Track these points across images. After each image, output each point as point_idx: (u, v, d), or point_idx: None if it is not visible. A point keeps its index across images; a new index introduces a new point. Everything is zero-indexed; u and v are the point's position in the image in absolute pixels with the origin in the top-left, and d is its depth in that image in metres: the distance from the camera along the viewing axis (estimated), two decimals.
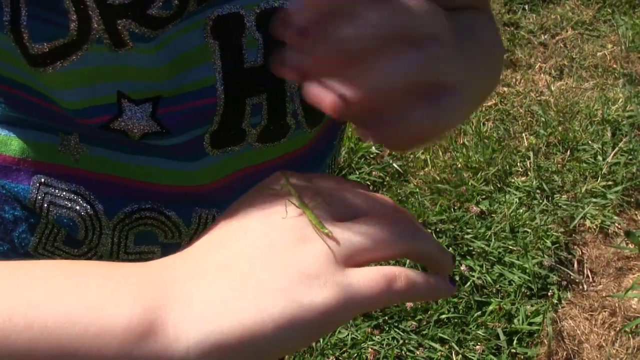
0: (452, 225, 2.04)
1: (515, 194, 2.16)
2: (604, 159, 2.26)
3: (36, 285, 0.36)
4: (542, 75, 2.65)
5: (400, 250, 0.42)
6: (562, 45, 2.78)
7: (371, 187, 2.17)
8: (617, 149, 2.28)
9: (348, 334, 1.76)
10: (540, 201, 2.14)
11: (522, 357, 1.78)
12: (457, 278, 1.90)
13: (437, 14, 0.42)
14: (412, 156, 2.27)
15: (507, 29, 2.85)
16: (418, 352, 1.75)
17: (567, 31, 2.85)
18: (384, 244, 0.41)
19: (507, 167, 2.24)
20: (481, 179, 2.19)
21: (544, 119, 2.41)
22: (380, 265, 0.42)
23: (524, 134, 2.37)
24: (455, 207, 2.11)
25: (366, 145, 2.27)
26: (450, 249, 1.98)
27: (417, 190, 2.15)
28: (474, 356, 1.75)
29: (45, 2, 0.44)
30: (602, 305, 1.90)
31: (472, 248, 1.99)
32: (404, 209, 0.46)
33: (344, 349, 1.75)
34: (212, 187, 0.58)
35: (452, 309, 1.84)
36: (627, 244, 2.04)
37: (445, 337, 1.78)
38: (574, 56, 2.72)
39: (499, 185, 2.19)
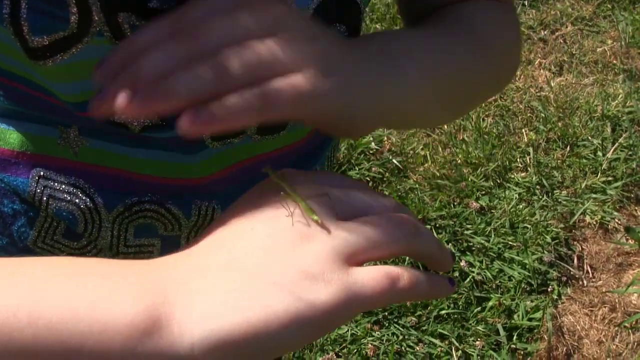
0: (451, 221, 2.04)
1: (515, 190, 2.16)
2: (603, 155, 2.26)
3: (38, 283, 0.36)
4: (541, 71, 2.64)
5: (401, 249, 0.42)
6: (561, 41, 2.78)
7: (371, 183, 2.17)
8: (617, 144, 2.28)
9: (348, 330, 1.76)
10: (540, 197, 2.14)
11: (522, 352, 1.78)
12: (456, 274, 1.91)
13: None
14: (411, 152, 2.27)
15: None
16: (418, 348, 1.75)
17: (566, 27, 2.84)
18: (386, 243, 0.41)
19: (507, 162, 2.24)
20: (481, 175, 2.19)
21: (543, 115, 2.41)
22: (377, 264, 0.42)
23: (523, 130, 2.37)
24: (455, 203, 2.11)
25: (366, 141, 2.27)
26: (450, 244, 1.98)
27: (417, 186, 2.15)
28: (473, 352, 1.75)
29: None
30: (602, 301, 1.90)
31: (471, 244, 1.99)
32: (405, 207, 0.47)
33: (344, 345, 1.75)
34: (212, 179, 0.58)
35: (452, 305, 1.84)
36: (627, 239, 2.04)
37: (445, 332, 1.78)
38: (573, 52, 2.71)
39: (498, 181, 2.19)
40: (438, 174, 2.19)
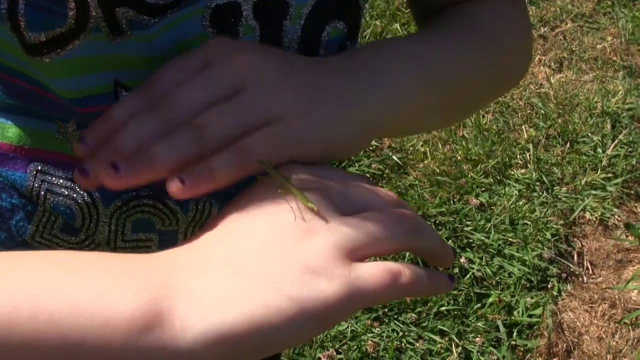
0: (451, 217, 2.04)
1: (515, 186, 2.16)
2: (603, 151, 2.26)
3: (38, 277, 0.35)
4: (541, 67, 2.64)
5: (403, 245, 0.42)
6: (561, 38, 2.78)
7: (371, 180, 2.16)
8: (616, 141, 2.28)
9: (348, 327, 1.77)
10: (540, 193, 2.14)
11: (522, 349, 1.78)
12: (456, 270, 1.91)
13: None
14: (411, 148, 2.27)
15: None
16: (418, 344, 1.76)
17: (566, 24, 2.84)
18: (388, 239, 0.41)
19: (507, 159, 2.24)
20: (481, 172, 2.19)
21: (543, 112, 2.41)
22: (377, 260, 0.42)
23: (523, 127, 2.37)
24: (455, 200, 2.11)
25: None
26: (450, 241, 1.98)
27: (417, 182, 2.15)
28: (473, 348, 1.75)
29: None
30: (602, 297, 1.90)
31: (471, 240, 1.99)
32: (406, 203, 0.47)
33: (344, 341, 1.75)
34: None
35: (452, 301, 1.84)
36: (626, 236, 2.04)
37: (445, 329, 1.79)
38: (573, 49, 2.71)
39: (498, 178, 2.19)
40: (438, 171, 2.19)
